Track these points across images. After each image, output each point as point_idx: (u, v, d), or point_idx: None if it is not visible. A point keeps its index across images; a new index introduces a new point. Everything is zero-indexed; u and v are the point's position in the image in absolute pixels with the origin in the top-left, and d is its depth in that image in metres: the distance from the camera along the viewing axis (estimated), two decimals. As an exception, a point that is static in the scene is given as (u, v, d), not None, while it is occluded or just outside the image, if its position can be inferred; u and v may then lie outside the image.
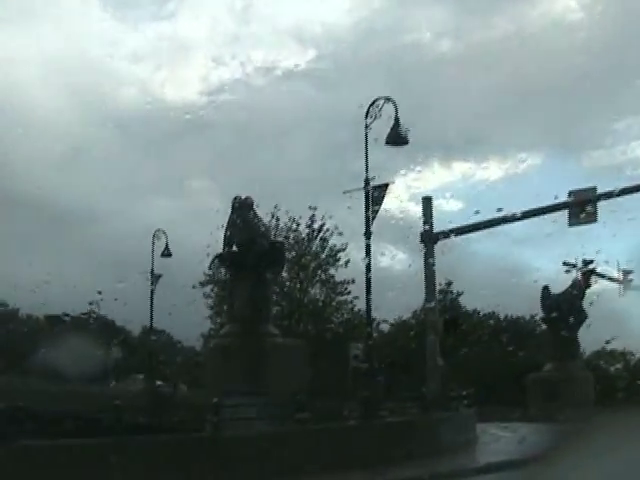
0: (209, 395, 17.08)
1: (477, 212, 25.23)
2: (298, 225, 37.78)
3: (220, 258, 24.32)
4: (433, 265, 24.52)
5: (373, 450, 15.56)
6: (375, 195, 21.03)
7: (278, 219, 36.58)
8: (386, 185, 21.28)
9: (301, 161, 59.94)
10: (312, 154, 60.62)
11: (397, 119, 20.91)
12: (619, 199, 23.88)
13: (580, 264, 34.96)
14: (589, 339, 38.62)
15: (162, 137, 60.55)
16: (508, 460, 17.21)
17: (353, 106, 21.76)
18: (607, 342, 42.06)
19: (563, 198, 25.57)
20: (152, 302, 33.70)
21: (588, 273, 35.48)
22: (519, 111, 65.82)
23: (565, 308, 35.84)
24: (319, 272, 38.79)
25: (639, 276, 34.62)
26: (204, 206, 51.15)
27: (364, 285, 20.86)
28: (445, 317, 27.37)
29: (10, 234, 40.19)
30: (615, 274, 34.89)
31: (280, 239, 33.31)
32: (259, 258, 22.25)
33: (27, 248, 43.20)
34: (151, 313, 34.19)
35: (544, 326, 40.52)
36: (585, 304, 36.02)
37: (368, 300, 20.91)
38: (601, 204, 24.93)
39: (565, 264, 35.25)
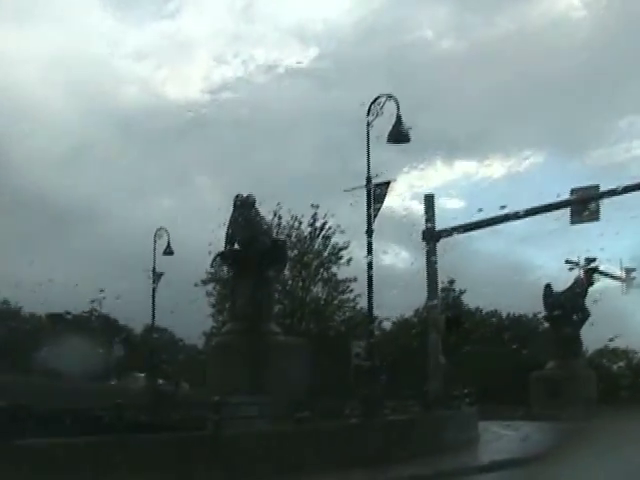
0: (211, 393, 17.07)
1: (480, 210, 25.28)
2: (300, 223, 37.86)
3: (222, 256, 24.32)
4: (435, 263, 24.48)
5: (375, 448, 15.50)
6: (377, 193, 20.91)
7: (280, 217, 36.68)
8: (388, 183, 21.17)
9: (303, 159, 60.09)
10: (314, 152, 60.74)
11: (399, 116, 20.78)
12: (622, 197, 23.86)
13: (583, 262, 35.02)
14: (592, 337, 38.68)
15: (164, 135, 60.81)
16: (510, 458, 17.19)
17: (355, 104, 21.65)
18: (610, 340, 42.21)
19: (566, 196, 25.56)
20: (154, 300, 33.67)
21: (591, 271, 35.47)
22: (522, 109, 65.87)
23: (568, 306, 35.86)
24: (321, 270, 38.80)
25: (642, 274, 34.55)
26: (206, 204, 51.28)
27: (366, 283, 20.78)
28: (447, 315, 27.25)
29: (12, 233, 40.30)
30: (618, 272, 34.83)
31: (282, 237, 33.29)
32: (261, 256, 22.24)
33: (29, 247, 43.33)
34: (153, 311, 34.19)
35: (546, 324, 40.52)
36: (588, 302, 36.06)
37: (370, 298, 20.83)
38: (604, 202, 24.87)
39: (568, 262, 35.32)
